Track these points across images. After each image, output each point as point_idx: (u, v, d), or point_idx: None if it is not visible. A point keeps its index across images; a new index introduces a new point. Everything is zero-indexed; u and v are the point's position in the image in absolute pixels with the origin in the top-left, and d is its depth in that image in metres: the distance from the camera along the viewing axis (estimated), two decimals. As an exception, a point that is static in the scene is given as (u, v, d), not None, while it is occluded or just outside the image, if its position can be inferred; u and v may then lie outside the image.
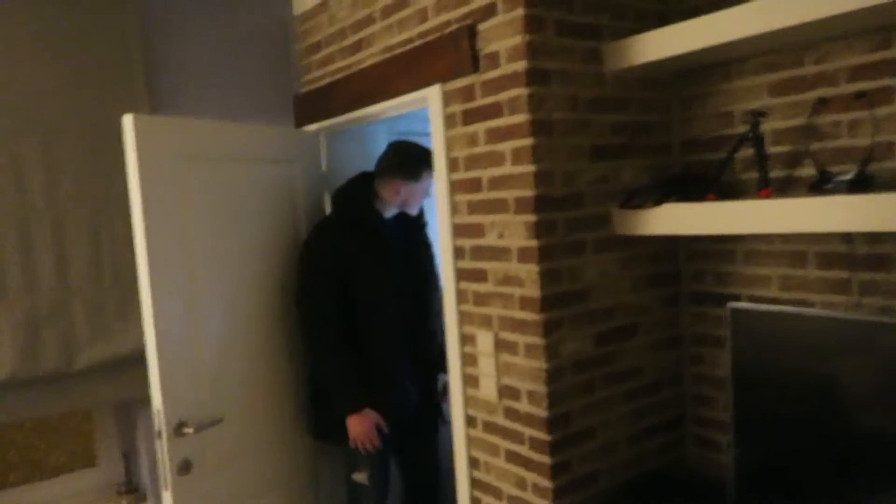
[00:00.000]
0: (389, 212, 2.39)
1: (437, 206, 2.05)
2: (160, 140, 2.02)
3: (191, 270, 2.11)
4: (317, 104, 2.57)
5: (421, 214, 2.49)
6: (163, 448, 2.01)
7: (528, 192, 1.72)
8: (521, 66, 1.69)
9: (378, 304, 2.32)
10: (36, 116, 2.19)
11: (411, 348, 2.41)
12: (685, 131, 1.97)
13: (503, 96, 1.76)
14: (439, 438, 2.53)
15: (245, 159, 2.32)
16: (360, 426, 2.23)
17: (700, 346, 2.03)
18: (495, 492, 1.98)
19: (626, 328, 1.93)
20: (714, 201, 1.68)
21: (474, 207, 1.91)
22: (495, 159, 1.80)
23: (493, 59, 1.78)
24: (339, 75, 2.45)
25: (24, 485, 2.42)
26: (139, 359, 2.26)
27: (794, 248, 1.74)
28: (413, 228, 2.49)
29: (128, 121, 1.95)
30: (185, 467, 2.06)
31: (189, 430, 2.05)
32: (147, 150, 1.97)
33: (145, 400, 2.38)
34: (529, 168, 1.71)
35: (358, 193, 2.37)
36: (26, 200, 2.17)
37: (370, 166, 2.44)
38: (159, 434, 2.02)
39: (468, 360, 2.01)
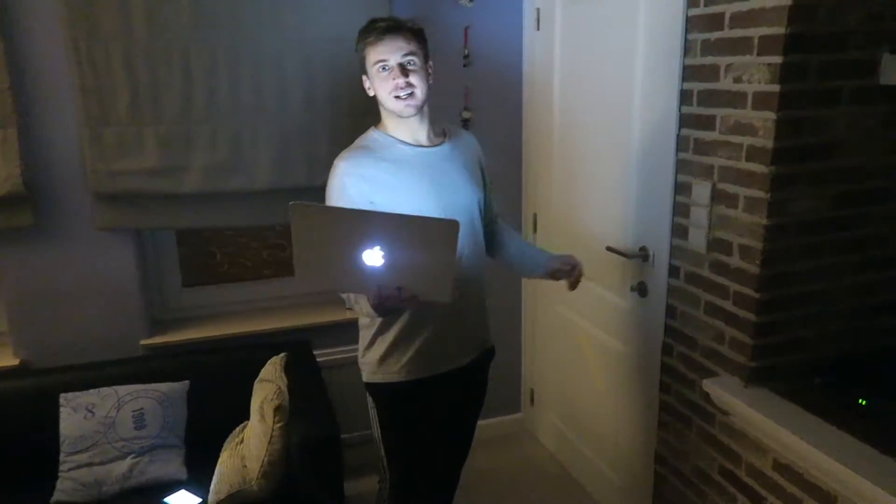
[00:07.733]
0: None
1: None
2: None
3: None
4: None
5: None
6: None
7: (779, 30, 1.54)
8: None
9: None
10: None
11: None
12: None
13: None
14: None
15: None
16: None
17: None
18: (688, 341, 1.99)
19: (875, 192, 1.74)
20: None
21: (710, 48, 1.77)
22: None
23: None
24: None
25: (273, 279, 2.86)
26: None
27: None
28: None
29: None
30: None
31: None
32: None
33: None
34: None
35: None
36: (283, 36, 2.40)
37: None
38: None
39: (680, 209, 1.96)
